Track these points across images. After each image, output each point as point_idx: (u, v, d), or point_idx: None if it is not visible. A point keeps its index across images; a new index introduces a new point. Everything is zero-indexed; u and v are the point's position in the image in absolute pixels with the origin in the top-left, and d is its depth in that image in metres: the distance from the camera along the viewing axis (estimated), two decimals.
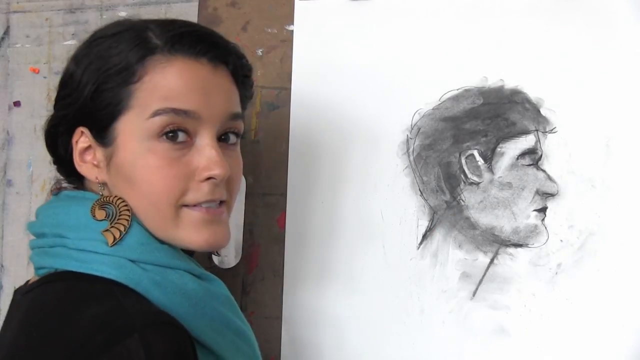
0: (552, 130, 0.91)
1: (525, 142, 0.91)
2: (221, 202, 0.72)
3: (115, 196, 0.69)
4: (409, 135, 0.94)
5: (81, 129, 0.70)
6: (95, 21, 1.18)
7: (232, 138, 0.74)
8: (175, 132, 0.68)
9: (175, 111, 0.67)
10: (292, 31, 1.00)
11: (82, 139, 0.71)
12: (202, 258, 0.97)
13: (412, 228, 0.92)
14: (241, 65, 0.75)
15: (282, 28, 1.01)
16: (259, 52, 1.01)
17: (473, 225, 0.91)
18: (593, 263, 0.87)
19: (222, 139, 0.72)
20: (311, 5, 1.00)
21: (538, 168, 0.90)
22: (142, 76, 0.68)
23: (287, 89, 0.99)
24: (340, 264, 0.93)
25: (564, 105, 0.91)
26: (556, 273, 0.88)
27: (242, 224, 0.97)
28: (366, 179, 0.94)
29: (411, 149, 0.94)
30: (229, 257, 1.35)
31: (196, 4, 1.04)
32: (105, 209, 0.68)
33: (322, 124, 0.97)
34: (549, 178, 0.90)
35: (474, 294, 0.89)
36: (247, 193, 0.98)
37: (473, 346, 0.88)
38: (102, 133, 0.69)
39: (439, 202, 0.92)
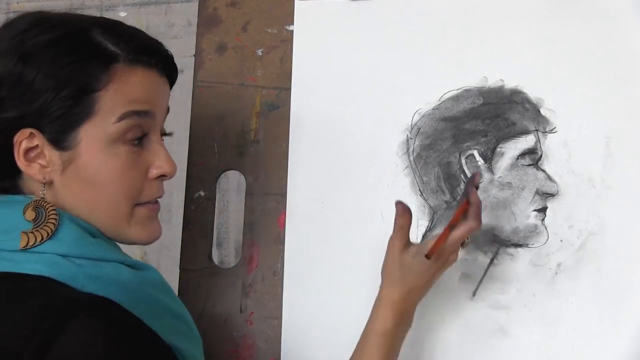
0: (552, 130, 0.91)
1: (525, 142, 0.91)
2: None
3: (46, 201, 0.71)
4: (409, 135, 0.94)
5: (30, 130, 0.70)
6: None
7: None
8: (137, 137, 0.73)
9: (137, 113, 0.73)
10: (292, 31, 1.00)
11: (28, 139, 0.71)
12: (202, 257, 0.97)
13: (412, 228, 0.92)
14: (175, 73, 0.82)
15: (282, 28, 1.01)
16: (259, 52, 1.01)
17: None
18: (593, 263, 0.87)
19: None
20: (311, 5, 1.00)
21: (538, 168, 0.90)
22: (106, 84, 0.71)
23: (287, 89, 0.99)
24: (340, 264, 0.93)
25: (564, 105, 0.91)
26: (556, 273, 0.88)
27: (242, 224, 0.97)
28: (366, 179, 0.94)
29: (411, 149, 0.94)
30: (229, 257, 1.35)
31: (196, 4, 1.04)
32: (37, 211, 0.70)
33: (322, 124, 0.97)
34: (549, 178, 0.90)
35: (474, 294, 0.89)
36: (247, 193, 0.98)
37: (473, 346, 0.88)
38: (61, 137, 0.71)
39: (439, 202, 0.92)
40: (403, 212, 0.80)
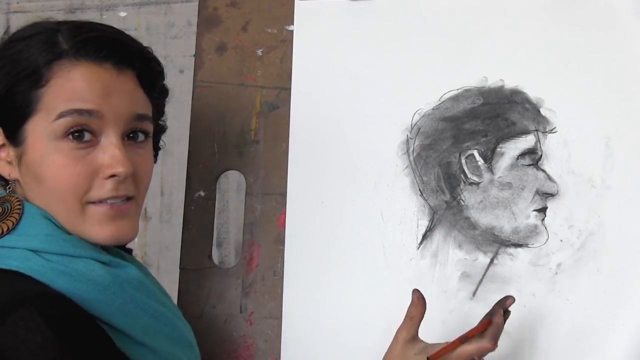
0: (552, 130, 0.91)
1: (525, 142, 0.91)
2: (128, 198, 0.75)
3: (14, 195, 0.74)
4: (409, 135, 0.94)
5: None
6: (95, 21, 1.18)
7: (141, 137, 0.77)
8: (81, 131, 0.72)
9: (79, 111, 0.71)
10: (292, 31, 1.00)
11: None
12: (202, 257, 0.97)
13: (412, 228, 0.92)
14: (149, 68, 0.78)
15: (282, 28, 1.01)
16: (259, 52, 1.01)
17: (473, 225, 0.91)
18: (593, 263, 0.87)
19: (130, 136, 0.76)
20: (311, 5, 1.00)
21: (538, 168, 0.90)
22: (48, 80, 0.71)
23: (287, 89, 0.99)
24: (340, 264, 0.93)
25: (564, 105, 0.91)
26: (556, 273, 0.88)
27: (242, 224, 0.97)
28: (366, 179, 0.94)
29: (411, 149, 0.94)
30: (229, 257, 1.35)
31: (196, 4, 1.04)
32: (3, 205, 0.72)
33: (322, 124, 0.97)
34: (549, 178, 0.90)
35: (474, 294, 0.89)
36: (247, 193, 0.98)
37: None
38: (14, 133, 0.73)
39: (439, 202, 0.92)
40: (417, 301, 0.79)
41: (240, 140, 0.99)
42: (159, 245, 1.37)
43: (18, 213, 0.71)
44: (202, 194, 0.99)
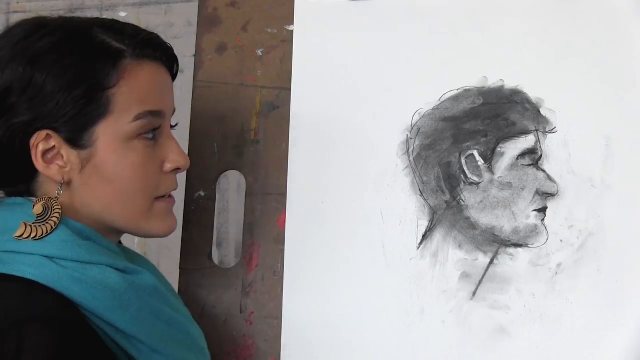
0: (552, 130, 0.91)
1: (525, 142, 0.91)
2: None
3: (58, 204, 0.72)
4: (409, 135, 0.94)
5: (46, 132, 0.71)
6: None
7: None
8: (152, 131, 0.75)
9: (152, 113, 0.74)
10: (292, 31, 1.00)
11: (44, 141, 0.71)
12: (202, 257, 0.97)
13: (412, 228, 0.92)
14: (177, 66, 0.83)
15: (282, 28, 1.01)
16: (259, 52, 1.01)
17: (473, 225, 0.91)
18: (593, 263, 0.87)
19: None
20: (311, 5, 1.00)
21: (538, 168, 0.90)
22: (118, 81, 0.72)
23: (287, 89, 0.99)
24: (340, 264, 0.93)
25: (564, 105, 0.91)
26: (556, 273, 0.88)
27: (242, 224, 0.97)
28: (366, 179, 0.94)
29: (411, 149, 0.94)
30: (229, 257, 1.35)
31: (196, 4, 1.04)
32: (45, 207, 0.72)
33: (322, 124, 0.97)
34: (549, 178, 0.90)
35: (474, 294, 0.89)
36: (247, 193, 0.98)
37: (473, 346, 0.88)
38: (78, 136, 0.72)
39: (439, 202, 0.92)
40: None
41: (240, 140, 0.99)
42: (159, 245, 1.38)
43: (54, 222, 0.70)
44: (202, 194, 0.99)
